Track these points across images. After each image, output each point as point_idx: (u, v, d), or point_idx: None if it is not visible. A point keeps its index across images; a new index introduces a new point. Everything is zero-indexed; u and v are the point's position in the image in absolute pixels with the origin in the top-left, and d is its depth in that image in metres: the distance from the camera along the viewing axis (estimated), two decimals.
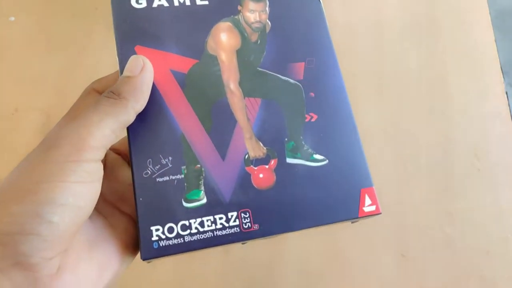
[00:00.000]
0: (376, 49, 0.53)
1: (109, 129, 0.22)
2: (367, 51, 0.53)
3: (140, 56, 0.25)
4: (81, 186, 0.20)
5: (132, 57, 0.24)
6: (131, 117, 0.23)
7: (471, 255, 0.44)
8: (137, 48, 0.26)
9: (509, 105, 0.50)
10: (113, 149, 0.28)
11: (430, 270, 0.43)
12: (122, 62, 0.25)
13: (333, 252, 0.43)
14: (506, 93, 0.51)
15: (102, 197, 0.25)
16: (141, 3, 0.27)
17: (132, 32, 0.26)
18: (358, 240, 0.44)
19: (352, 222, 0.27)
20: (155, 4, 0.27)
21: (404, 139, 0.48)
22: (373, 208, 0.26)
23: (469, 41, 0.54)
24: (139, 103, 0.23)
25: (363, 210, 0.26)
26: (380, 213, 0.26)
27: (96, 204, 0.24)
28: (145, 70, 0.24)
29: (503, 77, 0.52)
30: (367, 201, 0.26)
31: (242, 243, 0.25)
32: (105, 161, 0.26)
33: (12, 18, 0.51)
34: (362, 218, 0.26)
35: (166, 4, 0.27)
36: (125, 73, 0.24)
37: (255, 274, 0.42)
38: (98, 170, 0.21)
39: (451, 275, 0.43)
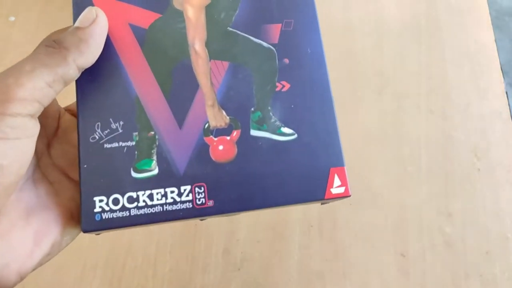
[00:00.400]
0: (376, 49, 0.53)
1: (43, 80, 0.19)
2: (367, 51, 0.53)
3: (95, 7, 0.22)
4: (2, 142, 0.18)
5: (87, 8, 0.22)
6: (72, 71, 0.21)
7: (471, 255, 0.44)
8: None
9: (509, 105, 0.50)
10: (68, 110, 0.26)
11: (430, 270, 0.43)
12: (77, 14, 0.22)
13: (333, 252, 0.43)
14: (506, 93, 0.51)
15: (51, 161, 0.24)
16: None
17: None
18: (358, 240, 0.44)
19: (322, 203, 0.25)
20: None
21: (404, 139, 0.48)
22: (341, 190, 0.24)
23: (469, 41, 0.54)
24: (84, 56, 0.21)
25: (330, 192, 0.23)
26: (349, 196, 0.24)
27: (44, 169, 0.23)
28: (96, 22, 0.22)
29: (503, 77, 0.52)
30: (336, 181, 0.24)
31: (201, 219, 0.23)
32: (58, 122, 0.25)
33: (12, 18, 0.51)
34: (330, 200, 0.24)
35: None
36: (75, 24, 0.21)
37: (255, 274, 0.42)
38: (27, 126, 0.19)
39: (451, 275, 0.43)
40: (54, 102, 0.25)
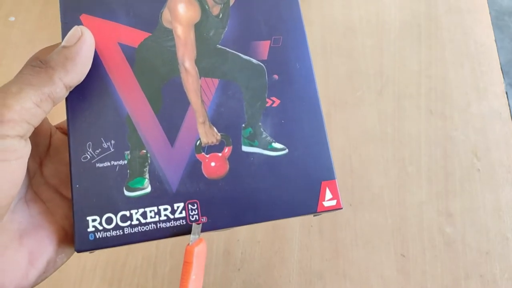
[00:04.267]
0: (376, 49, 0.53)
1: (30, 101, 0.19)
2: (367, 51, 0.53)
3: (81, 26, 0.22)
4: None
5: (73, 28, 0.22)
6: (59, 90, 0.20)
7: (471, 255, 0.44)
8: (83, 17, 0.23)
9: (509, 105, 0.50)
10: (59, 128, 0.26)
11: (430, 270, 0.43)
12: (65, 33, 0.22)
13: (333, 252, 0.43)
14: (506, 93, 0.51)
15: (44, 180, 0.24)
16: None
17: None
18: (358, 240, 0.44)
19: (314, 216, 0.25)
20: None
21: (404, 139, 0.48)
22: (333, 202, 0.24)
23: (469, 41, 0.54)
24: (70, 75, 0.21)
25: (322, 205, 0.23)
26: (341, 208, 0.24)
27: (36, 188, 0.23)
28: (82, 41, 0.21)
29: (503, 77, 0.52)
30: (328, 195, 0.24)
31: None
32: (50, 141, 0.25)
33: (12, 18, 0.51)
34: (322, 212, 0.24)
35: None
36: (63, 43, 0.21)
37: (255, 274, 0.42)
38: (17, 148, 0.19)
39: (451, 275, 0.43)
40: (45, 120, 0.25)
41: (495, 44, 0.54)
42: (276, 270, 0.43)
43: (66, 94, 0.21)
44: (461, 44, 0.53)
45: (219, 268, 0.42)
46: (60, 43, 0.22)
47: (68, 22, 0.23)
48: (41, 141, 0.25)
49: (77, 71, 0.21)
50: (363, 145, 0.48)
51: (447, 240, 0.44)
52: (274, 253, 0.43)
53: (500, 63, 0.53)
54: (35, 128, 0.21)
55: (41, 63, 0.20)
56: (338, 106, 0.50)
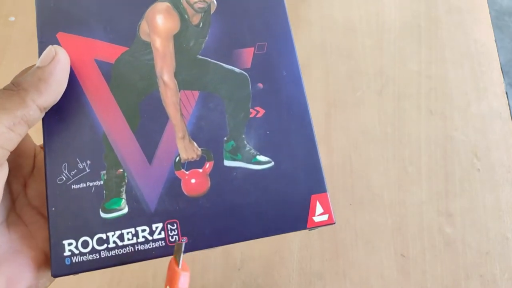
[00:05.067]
0: (376, 49, 0.53)
1: (2, 125, 0.19)
2: (367, 50, 0.53)
3: (55, 46, 0.22)
4: None
5: (47, 48, 0.21)
6: (32, 112, 0.20)
7: (471, 255, 0.44)
8: (60, 35, 0.23)
9: (509, 105, 0.50)
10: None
11: (430, 270, 0.43)
12: (41, 53, 0.22)
13: (333, 252, 0.43)
14: (506, 93, 0.51)
15: (27, 202, 0.23)
16: None
17: (55, 17, 0.23)
18: (358, 240, 0.44)
19: (310, 230, 0.23)
20: None
21: (404, 139, 0.48)
22: (325, 217, 0.22)
23: (469, 41, 0.54)
24: (44, 96, 0.20)
25: (312, 220, 0.22)
26: (334, 223, 0.22)
27: (19, 209, 0.22)
28: (56, 61, 0.21)
29: (503, 77, 0.52)
30: (319, 209, 0.22)
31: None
32: (34, 161, 0.24)
33: (12, 18, 0.51)
34: (314, 228, 0.23)
35: None
36: (37, 64, 0.21)
37: (255, 274, 0.42)
38: None
39: (451, 275, 0.43)
40: (28, 140, 0.24)
41: (495, 44, 0.54)
42: (276, 270, 0.43)
43: (42, 115, 0.21)
44: (461, 44, 0.53)
45: (219, 268, 0.42)
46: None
47: (44, 41, 0.22)
48: (25, 162, 0.24)
49: (51, 92, 0.20)
50: (363, 145, 0.48)
51: (447, 240, 0.44)
52: (274, 253, 0.43)
53: (500, 63, 0.53)
54: (18, 150, 0.20)
55: (13, 86, 0.20)
56: (338, 106, 0.50)
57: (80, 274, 0.21)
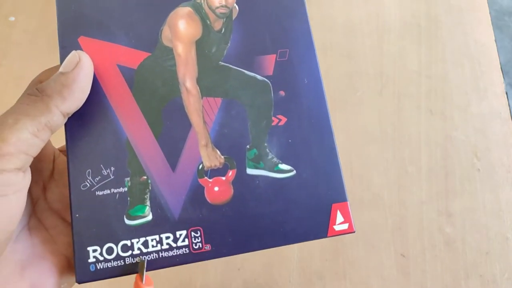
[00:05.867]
0: (376, 49, 0.53)
1: (27, 131, 0.19)
2: (367, 51, 0.53)
3: (79, 51, 0.21)
4: None
5: (71, 53, 0.21)
6: (56, 118, 0.20)
7: (471, 255, 0.44)
8: (81, 39, 0.23)
9: (509, 105, 0.50)
10: (63, 151, 0.26)
11: (430, 270, 0.43)
12: (63, 57, 0.22)
13: (333, 252, 0.43)
14: (506, 93, 0.51)
15: (47, 206, 0.23)
16: None
17: (76, 21, 0.23)
18: (358, 240, 0.44)
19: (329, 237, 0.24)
20: None
21: (404, 139, 0.48)
22: (345, 226, 0.22)
23: (469, 41, 0.54)
24: (67, 103, 0.20)
25: (333, 229, 0.22)
26: (354, 232, 0.22)
27: (40, 214, 0.22)
28: (80, 67, 0.21)
29: (503, 77, 0.52)
30: (339, 218, 0.22)
31: None
32: (53, 165, 0.24)
33: (12, 18, 0.51)
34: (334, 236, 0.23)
35: None
36: (60, 69, 0.21)
37: (255, 274, 0.42)
38: (14, 181, 0.19)
39: (451, 275, 0.43)
40: (48, 144, 0.24)
41: (495, 44, 0.54)
42: (276, 270, 0.43)
43: (64, 121, 0.21)
44: (461, 44, 0.53)
45: (219, 268, 0.42)
46: (59, 65, 0.21)
47: (66, 46, 0.22)
48: (44, 165, 0.24)
49: (74, 99, 0.20)
50: (363, 145, 0.48)
51: (447, 240, 0.44)
52: (274, 253, 0.43)
53: (500, 63, 0.53)
54: (39, 154, 0.20)
55: (37, 91, 0.20)
56: (338, 106, 0.50)
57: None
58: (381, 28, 0.54)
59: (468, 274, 0.43)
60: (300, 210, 0.22)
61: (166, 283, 0.41)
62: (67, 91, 0.20)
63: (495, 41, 0.54)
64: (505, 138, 0.49)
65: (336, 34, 0.53)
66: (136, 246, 0.21)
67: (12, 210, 0.19)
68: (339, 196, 0.23)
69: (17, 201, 0.19)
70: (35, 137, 0.19)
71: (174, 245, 0.21)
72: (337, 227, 0.22)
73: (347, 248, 0.44)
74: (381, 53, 0.52)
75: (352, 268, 0.43)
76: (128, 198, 0.21)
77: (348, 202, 0.23)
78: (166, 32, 0.23)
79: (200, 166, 0.22)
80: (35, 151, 0.20)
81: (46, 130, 0.20)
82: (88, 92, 0.21)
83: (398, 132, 0.49)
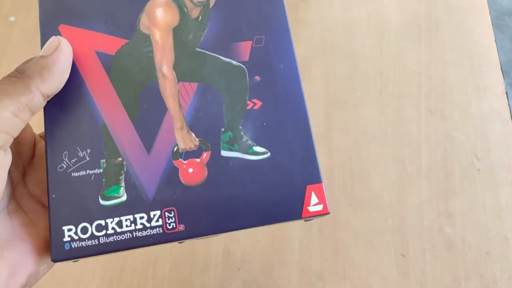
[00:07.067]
0: (376, 49, 0.53)
1: (7, 110, 0.19)
2: (367, 51, 0.53)
3: (58, 36, 0.22)
4: None
5: (51, 38, 0.22)
6: (36, 99, 0.20)
7: (471, 255, 0.44)
8: (61, 27, 0.24)
9: (509, 105, 0.50)
10: (44, 137, 0.27)
11: (430, 270, 0.43)
12: (43, 43, 0.23)
13: (333, 252, 0.43)
14: (506, 93, 0.51)
15: (26, 191, 0.24)
16: None
17: (57, 10, 0.24)
18: (358, 240, 0.44)
19: (305, 221, 0.24)
20: None
21: (404, 139, 0.48)
22: (319, 207, 0.23)
23: (469, 41, 0.54)
24: (47, 84, 0.21)
25: (307, 210, 0.22)
26: (328, 213, 0.23)
27: (19, 198, 0.23)
28: (59, 50, 0.22)
29: (503, 77, 0.52)
30: (314, 199, 0.23)
31: (179, 242, 0.23)
32: (33, 150, 0.25)
33: (12, 18, 0.51)
34: (309, 218, 0.23)
35: None
36: (41, 53, 0.22)
37: (255, 274, 0.42)
38: None
39: (451, 275, 0.43)
40: (28, 129, 0.25)
41: (495, 44, 0.54)
42: (276, 270, 0.43)
43: (44, 103, 0.21)
44: (461, 44, 0.53)
45: (219, 268, 0.42)
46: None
47: (47, 33, 0.23)
48: (25, 150, 0.24)
49: (54, 80, 0.21)
50: (363, 145, 0.48)
51: (447, 240, 0.44)
52: (274, 253, 0.43)
53: (500, 63, 0.53)
54: (18, 138, 0.20)
55: (17, 73, 0.20)
56: (338, 106, 0.50)
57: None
58: (381, 28, 0.54)
59: (468, 274, 0.43)
60: (275, 191, 0.22)
61: (166, 283, 0.41)
62: (47, 72, 0.21)
63: (495, 41, 0.54)
64: (505, 138, 0.49)
65: (336, 34, 0.53)
66: (110, 226, 0.21)
67: None
68: (314, 177, 0.23)
69: None
70: (16, 116, 0.20)
71: (148, 225, 0.21)
72: (311, 208, 0.23)
73: (347, 248, 0.44)
74: (381, 53, 0.53)
75: (352, 268, 0.43)
76: (103, 179, 0.22)
77: (323, 183, 0.23)
78: (144, 20, 0.24)
79: (175, 149, 0.23)
80: (15, 131, 0.20)
81: (26, 111, 0.20)
82: (68, 75, 0.22)
83: (398, 132, 0.49)
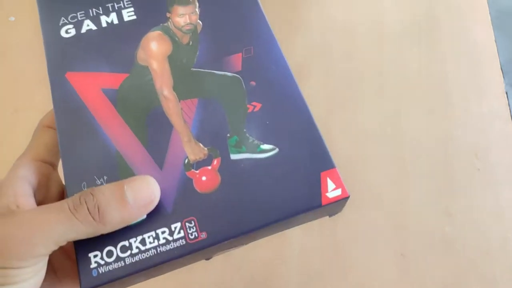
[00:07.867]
0: (376, 49, 0.53)
1: (65, 241, 0.20)
2: (367, 51, 0.53)
3: (151, 181, 0.22)
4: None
5: (145, 179, 0.22)
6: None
7: (471, 255, 0.44)
8: (68, 74, 0.25)
9: (509, 105, 0.50)
10: None
11: (430, 270, 0.43)
12: (54, 93, 0.25)
13: (333, 252, 0.43)
14: (506, 93, 0.51)
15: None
16: (70, 32, 0.27)
17: (63, 60, 0.26)
18: (358, 239, 0.44)
19: (330, 216, 0.24)
20: (83, 30, 0.27)
21: (404, 139, 0.48)
22: (338, 192, 0.22)
23: (469, 41, 0.54)
24: (110, 230, 0.21)
25: (326, 197, 0.22)
26: (349, 196, 0.22)
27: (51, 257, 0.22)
28: (151, 207, 0.21)
29: (503, 77, 0.52)
30: (330, 185, 0.23)
31: (206, 259, 0.23)
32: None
33: (12, 18, 0.51)
34: (331, 206, 0.23)
35: (94, 28, 0.27)
36: (127, 191, 0.21)
37: (255, 274, 0.42)
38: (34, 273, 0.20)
39: (451, 275, 0.43)
40: (56, 177, 0.25)
41: (495, 44, 0.54)
42: (276, 270, 0.43)
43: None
44: (461, 44, 0.53)
45: (219, 268, 0.42)
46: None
47: (55, 81, 0.25)
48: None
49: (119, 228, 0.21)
50: (363, 145, 0.48)
51: (447, 240, 0.44)
52: (274, 253, 0.43)
53: (500, 63, 0.53)
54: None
55: (97, 214, 0.20)
56: (338, 106, 0.50)
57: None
58: (381, 28, 0.54)
59: (468, 274, 0.43)
60: (290, 184, 0.23)
61: (166, 283, 0.41)
62: (124, 225, 0.21)
63: (495, 41, 0.54)
64: (505, 138, 0.49)
65: (336, 34, 0.53)
66: (134, 246, 0.22)
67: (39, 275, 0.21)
68: (326, 164, 0.23)
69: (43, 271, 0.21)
70: (67, 241, 0.20)
71: (170, 238, 0.22)
72: (330, 194, 0.23)
73: (347, 248, 0.44)
74: (381, 53, 0.53)
75: (352, 268, 0.43)
76: None
77: (336, 168, 0.23)
78: (140, 54, 0.26)
79: (186, 161, 0.23)
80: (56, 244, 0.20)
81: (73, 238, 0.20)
82: None
83: (398, 132, 0.49)
